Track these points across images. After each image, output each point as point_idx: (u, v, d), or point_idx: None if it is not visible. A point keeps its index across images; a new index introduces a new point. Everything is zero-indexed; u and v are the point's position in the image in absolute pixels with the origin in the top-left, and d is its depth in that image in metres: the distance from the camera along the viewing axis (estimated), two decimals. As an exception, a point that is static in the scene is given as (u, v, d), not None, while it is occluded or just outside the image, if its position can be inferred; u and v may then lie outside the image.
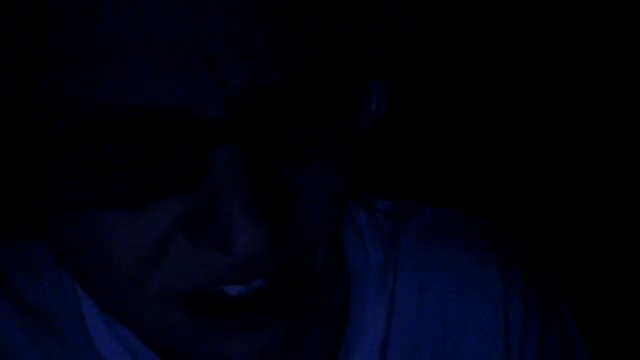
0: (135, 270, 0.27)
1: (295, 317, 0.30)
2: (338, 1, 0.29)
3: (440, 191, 0.90)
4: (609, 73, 1.00)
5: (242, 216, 0.24)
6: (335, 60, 0.28)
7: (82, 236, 0.27)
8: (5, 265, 0.39)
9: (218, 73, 0.24)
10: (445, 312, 0.42)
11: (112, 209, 0.26)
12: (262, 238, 0.24)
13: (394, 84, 0.32)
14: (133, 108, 0.24)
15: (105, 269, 0.27)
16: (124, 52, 0.23)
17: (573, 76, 1.02)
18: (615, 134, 1.02)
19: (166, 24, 0.23)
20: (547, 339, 0.44)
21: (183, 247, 0.26)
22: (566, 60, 1.01)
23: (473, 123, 1.01)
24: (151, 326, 0.29)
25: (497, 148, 1.02)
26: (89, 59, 0.23)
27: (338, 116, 0.28)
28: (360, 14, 0.31)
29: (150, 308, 0.28)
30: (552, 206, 1.01)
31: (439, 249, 0.43)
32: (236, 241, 0.24)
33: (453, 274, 0.43)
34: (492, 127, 1.02)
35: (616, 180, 1.01)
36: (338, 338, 0.41)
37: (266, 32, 0.25)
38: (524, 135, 1.03)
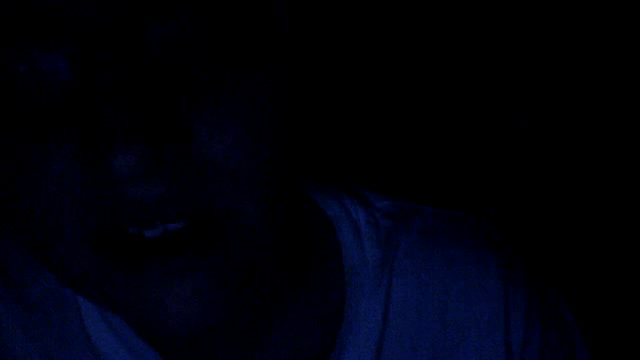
0: (49, 210, 0.26)
1: (221, 267, 0.28)
2: None
3: (440, 191, 0.90)
4: (609, 73, 1.00)
5: (119, 134, 0.23)
6: None
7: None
8: (5, 263, 0.39)
9: None
10: (445, 312, 0.42)
11: (11, 140, 0.25)
12: (141, 158, 0.24)
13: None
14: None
15: (24, 214, 0.26)
16: None
17: (573, 76, 1.01)
18: (615, 134, 1.02)
19: None
20: (548, 339, 0.44)
21: (84, 178, 0.25)
22: (566, 60, 1.01)
23: (473, 123, 1.01)
24: (73, 274, 0.29)
25: (497, 149, 1.02)
26: None
27: (238, 29, 0.27)
28: None
29: (69, 253, 0.27)
30: (552, 206, 1.01)
31: (439, 249, 0.43)
32: (115, 154, 0.23)
33: (453, 274, 0.43)
34: (492, 128, 1.02)
35: (616, 180, 1.01)
36: (333, 334, 0.41)
37: None
38: (524, 136, 1.03)
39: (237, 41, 0.27)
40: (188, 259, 0.27)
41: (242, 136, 0.27)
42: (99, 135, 0.24)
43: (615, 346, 0.77)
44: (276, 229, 0.30)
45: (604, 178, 1.01)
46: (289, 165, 0.31)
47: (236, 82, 0.27)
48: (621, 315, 0.91)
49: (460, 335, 0.42)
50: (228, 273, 0.28)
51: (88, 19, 0.24)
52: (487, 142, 1.02)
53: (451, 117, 1.00)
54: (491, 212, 0.52)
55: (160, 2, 0.25)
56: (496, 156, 1.02)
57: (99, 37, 0.24)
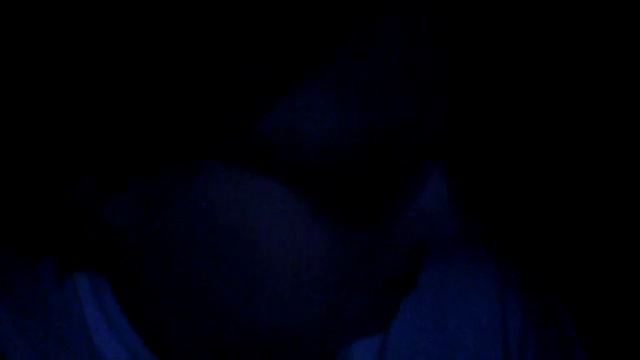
0: None
1: None
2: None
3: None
4: (609, 73, 1.00)
5: None
6: None
7: None
8: (6, 267, 0.39)
9: None
10: (443, 316, 0.42)
11: None
12: None
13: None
14: None
15: None
16: None
17: (573, 76, 1.01)
18: (615, 134, 1.02)
19: None
20: (546, 342, 0.44)
21: None
22: (566, 60, 1.01)
23: (473, 124, 1.01)
24: None
25: (498, 149, 1.02)
26: None
27: None
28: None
29: None
30: (552, 207, 1.01)
31: (437, 255, 0.43)
32: None
33: (450, 279, 0.43)
34: (492, 128, 1.02)
35: (616, 181, 1.01)
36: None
37: None
38: (524, 136, 1.03)
39: None
40: None
41: None
42: None
43: (614, 347, 0.77)
44: None
45: (604, 178, 1.01)
46: None
47: None
48: (620, 316, 0.91)
49: (458, 338, 0.42)
50: None
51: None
52: (488, 141, 1.02)
53: (451, 117, 1.00)
54: (489, 213, 0.52)
55: None
56: (496, 155, 1.02)
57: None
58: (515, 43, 1.00)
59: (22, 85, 0.26)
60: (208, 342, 0.36)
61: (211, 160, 0.27)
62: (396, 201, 0.30)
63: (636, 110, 1.00)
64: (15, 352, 0.37)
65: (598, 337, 0.49)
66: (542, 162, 1.02)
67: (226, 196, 0.28)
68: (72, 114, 0.26)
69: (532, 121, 1.03)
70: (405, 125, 0.27)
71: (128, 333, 0.38)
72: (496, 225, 0.48)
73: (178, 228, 0.29)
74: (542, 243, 0.91)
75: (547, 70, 1.01)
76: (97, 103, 0.26)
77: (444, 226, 0.30)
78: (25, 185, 0.29)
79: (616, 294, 0.94)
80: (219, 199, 0.28)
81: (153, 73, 0.25)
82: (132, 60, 0.25)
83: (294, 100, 0.25)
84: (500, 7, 0.97)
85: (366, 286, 0.31)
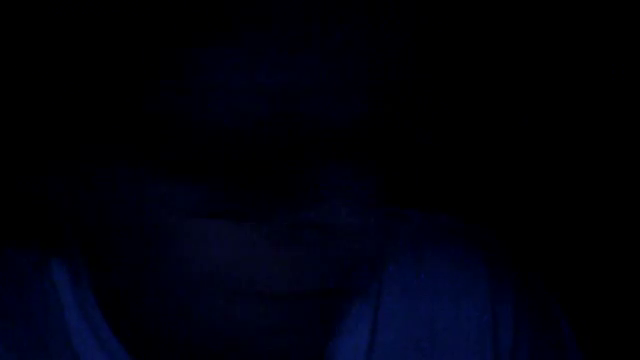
0: None
1: None
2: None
3: (440, 191, 0.90)
4: (609, 73, 1.00)
5: None
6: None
7: None
8: None
9: None
10: (434, 317, 0.42)
11: None
12: None
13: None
14: None
15: None
16: None
17: (573, 76, 1.01)
18: (615, 134, 1.01)
19: None
20: (538, 344, 0.44)
21: None
22: (566, 60, 1.01)
23: (473, 124, 1.01)
24: None
25: (497, 149, 1.02)
26: None
27: None
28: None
29: None
30: (552, 207, 1.01)
31: (428, 255, 0.43)
32: None
33: (442, 279, 0.43)
34: (492, 128, 1.02)
35: (616, 181, 1.01)
36: (321, 342, 0.41)
37: None
38: (524, 136, 1.03)
39: None
40: None
41: None
42: None
43: (611, 347, 0.77)
44: None
45: (604, 178, 1.01)
46: None
47: None
48: (614, 314, 0.91)
49: (449, 342, 0.42)
50: None
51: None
52: (487, 142, 1.02)
53: (451, 117, 1.00)
54: (483, 212, 0.52)
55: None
56: (495, 156, 1.02)
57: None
58: (515, 43, 0.99)
59: None
60: (185, 349, 0.36)
61: (113, 153, 0.27)
62: (303, 199, 0.28)
63: (636, 110, 1.00)
64: None
65: (594, 336, 0.49)
66: (541, 162, 1.02)
67: (131, 196, 0.27)
68: None
69: (532, 121, 1.03)
70: (315, 93, 0.26)
71: (110, 339, 0.38)
72: (492, 224, 0.48)
73: (110, 218, 0.29)
74: (544, 243, 0.91)
75: (547, 70, 1.01)
76: None
77: (365, 243, 0.29)
78: None
79: (612, 292, 0.94)
80: (126, 198, 0.28)
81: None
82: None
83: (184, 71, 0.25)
84: (500, 7, 0.97)
85: (297, 294, 0.30)
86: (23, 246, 0.40)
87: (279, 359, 0.34)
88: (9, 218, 0.33)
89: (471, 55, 0.98)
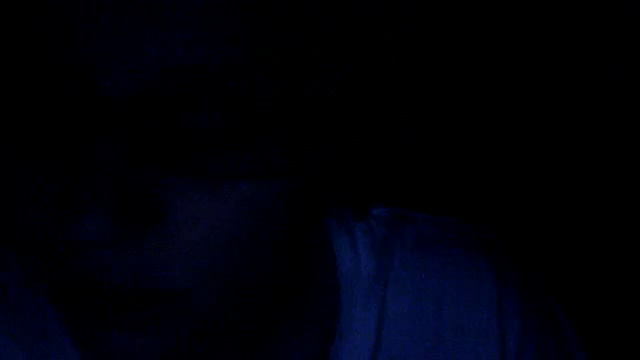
0: (25, 232, 0.26)
1: (172, 328, 0.28)
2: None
3: (439, 191, 0.90)
4: (609, 73, 1.00)
5: (101, 198, 0.24)
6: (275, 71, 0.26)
7: None
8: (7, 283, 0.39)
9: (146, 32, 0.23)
10: (440, 320, 0.42)
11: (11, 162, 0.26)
12: (110, 229, 0.24)
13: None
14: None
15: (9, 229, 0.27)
16: None
17: (573, 76, 1.01)
18: (615, 134, 1.01)
19: None
20: (545, 347, 0.44)
21: (50, 218, 0.26)
22: (566, 60, 1.01)
23: (473, 124, 1.01)
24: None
25: (497, 149, 1.02)
26: None
27: (259, 146, 0.26)
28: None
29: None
30: (552, 207, 1.01)
31: (434, 257, 0.43)
32: (86, 218, 0.23)
33: (448, 282, 0.43)
34: (492, 128, 1.02)
35: (616, 181, 1.01)
36: (325, 344, 0.41)
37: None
38: (525, 136, 1.03)
39: (254, 151, 0.26)
40: (138, 316, 0.27)
41: (227, 233, 0.26)
42: (78, 190, 0.24)
43: (614, 349, 0.77)
44: (250, 296, 0.30)
45: (604, 178, 1.01)
46: (281, 257, 0.30)
47: (235, 183, 0.26)
48: (620, 317, 0.91)
49: (455, 345, 0.42)
50: (170, 338, 0.28)
51: (122, 83, 0.24)
52: (487, 142, 1.02)
53: (450, 117, 1.00)
54: (491, 216, 0.52)
55: (198, 97, 0.25)
56: (496, 157, 1.02)
57: (112, 108, 0.24)
58: (515, 43, 0.99)
59: None
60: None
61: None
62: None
63: (636, 110, 1.00)
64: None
65: (599, 341, 0.49)
66: (542, 162, 1.02)
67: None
68: None
69: (532, 121, 1.03)
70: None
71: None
72: (496, 226, 0.48)
73: None
74: (545, 244, 0.91)
75: (547, 70, 1.01)
76: None
77: None
78: None
79: (619, 297, 0.94)
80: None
81: None
82: None
83: None
84: (500, 7, 0.97)
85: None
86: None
87: None
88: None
89: (471, 55, 0.98)
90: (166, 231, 0.26)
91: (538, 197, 1.01)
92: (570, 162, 1.02)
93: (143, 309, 0.27)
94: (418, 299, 0.42)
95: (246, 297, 0.30)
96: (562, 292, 0.48)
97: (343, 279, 0.41)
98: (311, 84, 0.27)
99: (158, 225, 0.25)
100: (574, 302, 0.50)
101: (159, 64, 0.24)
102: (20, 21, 0.24)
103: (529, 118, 1.02)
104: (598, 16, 0.98)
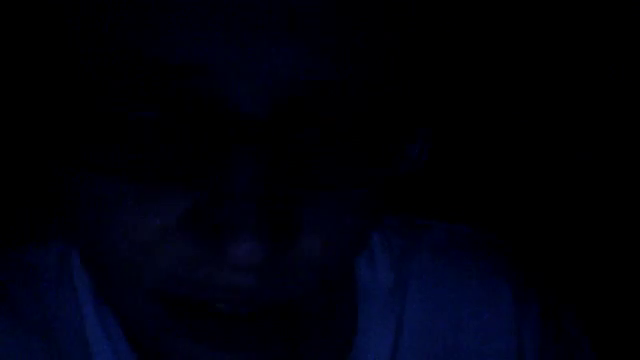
0: (132, 258, 0.26)
1: (281, 346, 0.28)
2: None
3: (440, 191, 0.89)
4: (609, 73, 1.00)
5: (252, 222, 0.23)
6: (400, 88, 0.26)
7: (89, 212, 0.26)
8: (6, 281, 0.38)
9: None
10: (457, 333, 0.42)
11: (119, 182, 0.24)
12: (262, 253, 0.23)
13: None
14: (164, 63, 0.22)
15: (105, 253, 0.26)
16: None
17: (573, 76, 1.01)
18: (615, 134, 1.01)
19: None
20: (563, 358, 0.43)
21: (183, 243, 0.25)
22: (566, 60, 1.01)
23: (473, 123, 1.01)
24: (135, 322, 0.29)
25: (498, 151, 1.02)
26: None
27: (376, 152, 0.27)
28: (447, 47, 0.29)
29: (134, 301, 0.27)
30: (553, 207, 1.01)
31: (451, 268, 0.43)
32: (238, 244, 0.23)
33: (465, 294, 0.42)
34: (492, 128, 1.02)
35: (616, 181, 1.01)
36: (342, 358, 0.40)
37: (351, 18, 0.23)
38: (525, 136, 1.03)
39: (379, 160, 0.27)
40: (245, 343, 0.27)
41: (342, 240, 0.27)
42: (226, 212, 0.23)
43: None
44: (326, 303, 0.31)
45: (604, 178, 1.01)
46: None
47: (360, 192, 0.27)
48: (635, 327, 0.91)
49: (473, 356, 0.42)
50: (287, 350, 0.29)
51: (246, 106, 0.23)
52: (487, 142, 1.01)
53: (450, 117, 0.99)
54: (501, 223, 0.52)
55: (322, 105, 0.24)
56: (496, 156, 1.01)
57: (251, 126, 0.23)
58: (515, 43, 0.99)
59: None
60: None
61: None
62: None
63: (636, 110, 1.00)
64: None
65: (615, 354, 0.49)
66: (542, 162, 1.02)
67: None
68: None
69: (532, 121, 1.03)
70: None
71: (127, 354, 0.37)
72: (506, 232, 0.47)
73: None
74: (545, 243, 0.91)
75: (547, 70, 1.01)
76: None
77: None
78: None
79: (628, 303, 0.94)
80: None
81: None
82: None
83: None
84: (499, 7, 0.97)
85: None
86: (42, 246, 0.39)
87: None
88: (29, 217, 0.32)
89: (471, 55, 0.97)
90: (303, 246, 0.26)
91: (540, 194, 1.01)
92: (572, 161, 1.02)
93: (257, 324, 0.27)
94: (434, 315, 0.42)
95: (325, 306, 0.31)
96: (576, 301, 0.48)
97: (361, 293, 0.41)
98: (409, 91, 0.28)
99: (297, 241, 0.26)
100: (589, 311, 0.50)
101: (293, 77, 0.23)
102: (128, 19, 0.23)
103: (529, 118, 1.02)
104: (598, 16, 0.98)
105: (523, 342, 0.42)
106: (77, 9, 0.23)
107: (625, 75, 1.00)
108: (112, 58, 0.23)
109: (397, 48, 0.26)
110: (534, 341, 0.42)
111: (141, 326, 0.29)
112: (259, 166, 0.23)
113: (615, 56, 1.00)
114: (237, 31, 0.22)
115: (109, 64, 0.23)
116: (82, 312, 0.38)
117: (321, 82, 0.23)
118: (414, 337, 0.41)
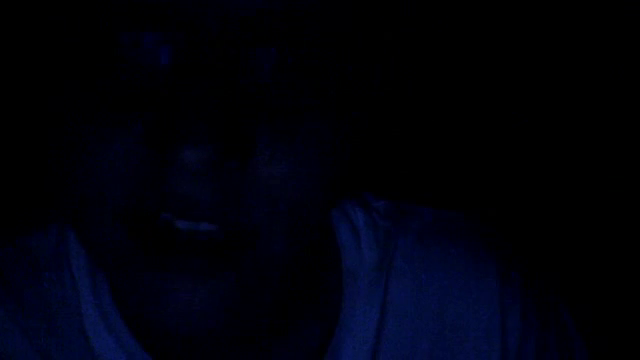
0: (99, 180, 0.27)
1: (234, 281, 0.29)
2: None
3: (440, 191, 0.90)
4: (609, 73, 1.00)
5: (197, 130, 0.25)
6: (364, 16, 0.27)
7: (66, 146, 0.28)
8: (5, 265, 0.39)
9: None
10: (443, 314, 0.42)
11: (89, 111, 0.27)
12: (210, 157, 0.25)
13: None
14: None
15: (77, 180, 0.28)
16: None
17: (573, 76, 1.01)
18: (615, 134, 1.01)
19: None
20: (545, 340, 0.44)
21: (143, 159, 0.27)
22: (566, 60, 1.01)
23: (474, 123, 1.01)
24: (101, 248, 0.30)
25: (498, 148, 1.02)
26: None
27: (330, 77, 0.28)
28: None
29: (104, 227, 0.29)
30: (553, 206, 1.01)
31: (438, 251, 0.43)
32: (189, 148, 0.25)
33: (451, 276, 0.43)
34: (492, 128, 1.02)
35: (616, 180, 1.01)
36: (328, 336, 0.41)
37: None
38: (525, 136, 1.03)
39: (327, 88, 0.28)
40: (207, 264, 0.28)
41: (299, 171, 0.28)
42: (177, 124, 0.25)
43: (615, 346, 0.76)
44: (295, 261, 0.31)
45: (604, 178, 1.01)
46: (330, 206, 0.33)
47: (313, 122, 0.28)
48: (621, 315, 0.91)
49: (458, 337, 0.42)
50: (237, 289, 0.29)
51: (209, 22, 0.25)
52: (487, 142, 1.02)
53: (451, 117, 1.00)
54: (490, 212, 0.52)
55: (277, 31, 0.26)
56: (496, 156, 1.02)
57: (212, 42, 0.25)
58: (515, 43, 0.99)
59: None
60: (203, 345, 0.36)
61: None
62: None
63: (636, 110, 1.00)
64: (17, 353, 0.37)
65: (599, 336, 0.49)
66: (542, 161, 1.02)
67: None
68: None
69: (532, 121, 1.03)
70: None
71: (126, 336, 0.38)
72: (497, 223, 0.48)
73: None
74: (545, 242, 0.91)
75: (547, 70, 1.01)
76: None
77: None
78: None
79: (619, 294, 0.94)
80: None
81: None
82: None
83: None
84: (500, 7, 0.97)
85: None
86: (41, 230, 0.40)
87: None
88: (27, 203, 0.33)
89: (471, 55, 0.98)
90: (254, 166, 0.27)
91: (541, 194, 1.01)
92: (572, 161, 1.02)
93: (217, 254, 0.28)
94: (420, 294, 0.42)
95: (295, 260, 0.31)
96: (563, 288, 0.48)
97: (346, 274, 0.41)
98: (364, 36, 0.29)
99: (249, 159, 0.27)
100: (575, 298, 0.50)
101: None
102: None
103: (529, 117, 1.02)
104: (598, 16, 0.99)
105: (506, 318, 0.42)
106: None
107: (625, 75, 1.00)
108: None
109: None
110: (517, 317, 0.42)
111: (110, 260, 0.30)
112: (212, 81, 0.25)
113: (615, 56, 1.00)
114: None
115: None
116: (80, 294, 0.39)
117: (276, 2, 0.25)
118: (399, 315, 0.41)
